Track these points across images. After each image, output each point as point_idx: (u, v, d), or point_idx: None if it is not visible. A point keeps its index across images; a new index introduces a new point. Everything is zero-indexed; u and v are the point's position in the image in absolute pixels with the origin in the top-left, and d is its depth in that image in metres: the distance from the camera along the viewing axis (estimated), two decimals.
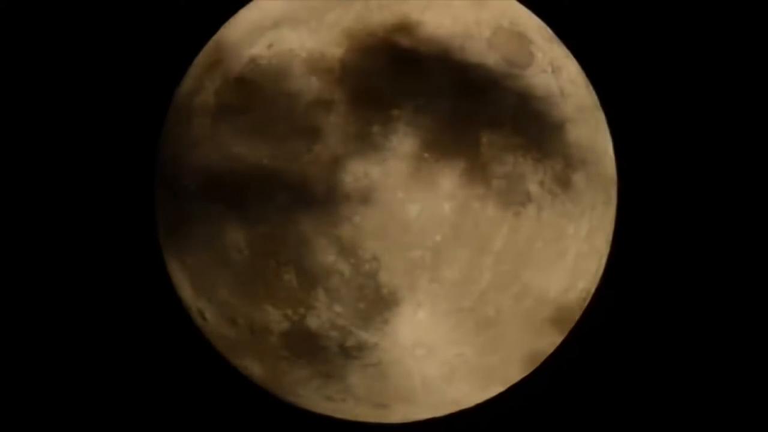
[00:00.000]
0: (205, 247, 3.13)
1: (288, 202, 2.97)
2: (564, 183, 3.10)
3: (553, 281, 3.14)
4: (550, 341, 3.33)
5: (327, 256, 2.97)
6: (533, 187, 3.04)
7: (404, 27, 3.05)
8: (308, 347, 3.11)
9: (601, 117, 3.36)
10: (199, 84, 3.23)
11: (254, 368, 3.31)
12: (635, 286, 3.81)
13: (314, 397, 3.32)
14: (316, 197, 2.94)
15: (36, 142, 3.81)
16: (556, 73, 3.20)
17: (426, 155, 2.93)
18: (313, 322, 3.05)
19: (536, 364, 3.38)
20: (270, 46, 3.09)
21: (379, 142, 2.93)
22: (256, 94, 3.05)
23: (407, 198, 2.93)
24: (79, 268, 3.79)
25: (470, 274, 2.99)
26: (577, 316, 3.38)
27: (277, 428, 3.63)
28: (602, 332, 3.72)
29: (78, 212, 3.79)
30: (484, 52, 3.07)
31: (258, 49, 3.11)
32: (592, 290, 3.39)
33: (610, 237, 3.37)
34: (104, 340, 3.79)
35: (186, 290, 3.30)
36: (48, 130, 3.82)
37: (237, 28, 3.25)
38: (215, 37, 3.32)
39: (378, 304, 3.00)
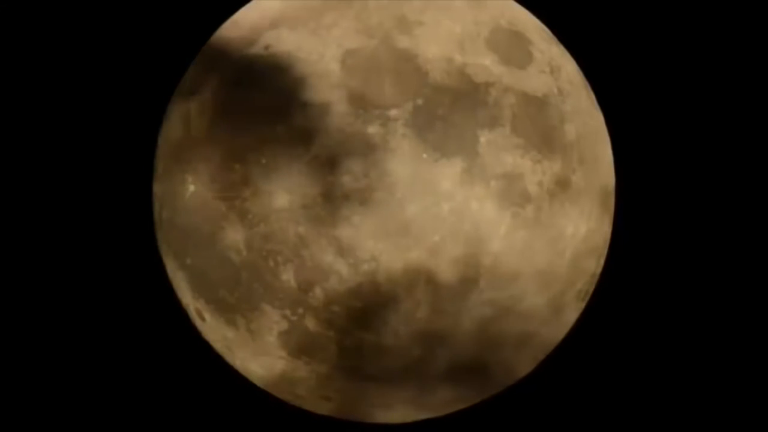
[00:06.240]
0: (204, 247, 3.13)
1: (287, 202, 2.97)
2: (562, 183, 3.10)
3: (552, 282, 3.15)
4: (548, 341, 3.34)
5: (325, 256, 2.97)
6: (532, 188, 3.04)
7: (403, 27, 3.05)
8: (307, 347, 3.12)
9: (599, 117, 3.36)
10: (198, 84, 3.23)
11: (253, 368, 3.32)
12: (634, 287, 3.81)
13: (313, 397, 3.32)
14: (314, 198, 2.95)
15: (35, 143, 3.81)
16: (555, 73, 3.20)
17: (425, 155, 2.94)
18: (311, 322, 3.06)
19: (535, 363, 3.39)
20: (268, 46, 3.09)
21: (377, 143, 2.93)
22: (255, 94, 3.05)
23: (406, 198, 2.93)
24: (78, 269, 3.79)
25: (468, 274, 2.99)
26: (575, 317, 3.39)
27: (276, 428, 3.63)
28: (601, 333, 3.72)
29: (76, 212, 3.79)
30: (482, 52, 3.08)
31: (257, 49, 3.11)
32: (591, 291, 3.39)
33: (608, 238, 3.37)
34: (103, 341, 3.79)
35: (185, 291, 3.30)
36: (47, 130, 3.82)
37: (236, 28, 3.25)
38: (214, 37, 3.32)
39: (377, 304, 3.00)
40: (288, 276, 3.01)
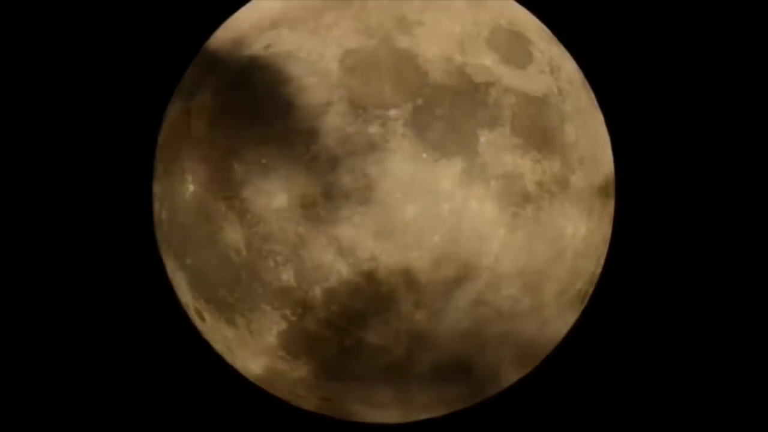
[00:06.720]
0: (204, 247, 3.13)
1: (286, 202, 2.97)
2: (562, 183, 3.10)
3: (552, 282, 3.14)
4: (547, 341, 3.33)
5: (325, 256, 2.97)
6: (532, 188, 3.04)
7: (403, 27, 3.05)
8: (306, 347, 3.12)
9: (599, 117, 3.36)
10: (198, 84, 3.23)
11: (253, 368, 3.32)
12: (633, 287, 3.81)
13: (313, 397, 3.32)
14: (314, 198, 2.95)
15: (35, 143, 3.81)
16: (555, 73, 3.20)
17: (425, 155, 2.94)
18: (311, 322, 3.05)
19: (534, 364, 3.38)
20: (268, 46, 3.09)
21: (377, 143, 2.93)
22: (255, 94, 3.05)
23: (406, 198, 2.93)
24: (77, 268, 3.79)
25: (468, 274, 2.99)
26: (574, 318, 3.39)
27: (276, 428, 3.63)
28: (600, 333, 3.72)
29: (76, 212, 3.79)
30: (482, 52, 3.08)
31: (256, 50, 3.11)
32: (590, 291, 3.39)
33: (608, 237, 3.37)
34: (102, 341, 3.79)
35: (184, 290, 3.30)
36: (47, 130, 3.82)
37: (236, 28, 3.25)
38: (213, 37, 3.32)
39: (376, 304, 3.00)
40: (288, 276, 3.01)
